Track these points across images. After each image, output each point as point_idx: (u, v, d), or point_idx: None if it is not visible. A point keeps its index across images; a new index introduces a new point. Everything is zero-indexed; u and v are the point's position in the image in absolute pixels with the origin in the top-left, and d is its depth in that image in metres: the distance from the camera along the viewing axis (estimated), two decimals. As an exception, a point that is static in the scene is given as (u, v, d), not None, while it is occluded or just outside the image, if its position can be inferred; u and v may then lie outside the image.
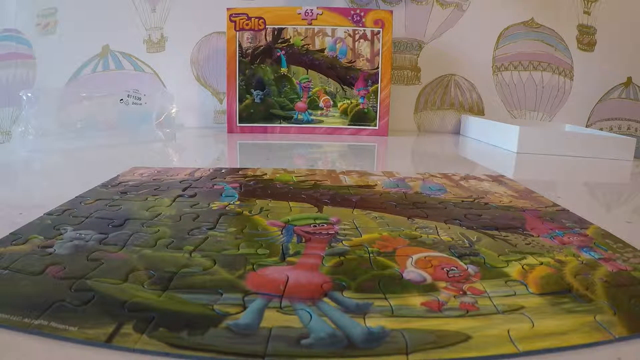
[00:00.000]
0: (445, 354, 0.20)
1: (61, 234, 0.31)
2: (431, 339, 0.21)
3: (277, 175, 0.51)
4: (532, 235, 0.34)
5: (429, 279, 0.26)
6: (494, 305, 0.24)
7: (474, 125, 0.92)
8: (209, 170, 0.52)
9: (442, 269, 0.28)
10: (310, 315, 0.22)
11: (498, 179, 0.52)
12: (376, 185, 0.48)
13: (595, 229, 0.36)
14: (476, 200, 0.43)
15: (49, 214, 0.35)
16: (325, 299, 0.24)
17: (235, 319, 0.21)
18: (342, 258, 0.29)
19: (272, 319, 0.22)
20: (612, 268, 0.29)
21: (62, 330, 0.20)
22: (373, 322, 0.22)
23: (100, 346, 0.20)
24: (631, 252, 0.31)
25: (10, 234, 0.31)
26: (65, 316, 0.21)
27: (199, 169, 0.53)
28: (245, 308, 0.22)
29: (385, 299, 0.24)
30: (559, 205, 0.42)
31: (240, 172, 0.52)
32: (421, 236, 0.33)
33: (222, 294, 0.24)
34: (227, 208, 0.39)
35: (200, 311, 0.22)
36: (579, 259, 0.30)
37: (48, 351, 0.19)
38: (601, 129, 1.02)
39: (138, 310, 0.22)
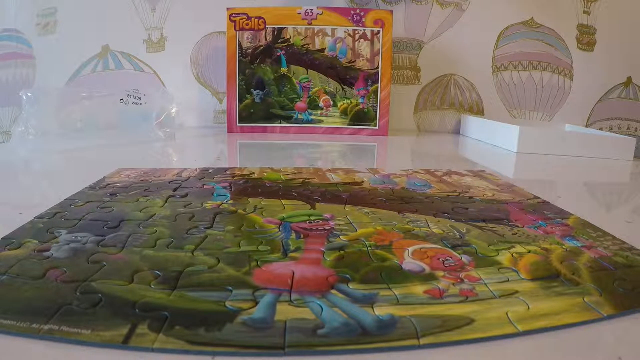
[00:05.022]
0: (453, 336, 0.21)
1: (56, 238, 0.31)
2: (438, 323, 0.22)
3: (265, 174, 0.51)
4: (518, 226, 0.36)
5: (428, 269, 0.28)
6: (491, 291, 0.25)
7: (474, 125, 0.92)
8: (196, 170, 0.52)
9: (438, 259, 0.29)
10: (322, 307, 0.23)
11: (479, 174, 0.54)
12: (363, 182, 0.49)
13: (576, 219, 0.38)
14: (461, 195, 0.45)
15: (40, 217, 0.35)
16: (333, 291, 0.24)
17: (250, 314, 0.22)
18: (342, 252, 0.30)
19: (285, 312, 0.22)
20: (594, 255, 0.30)
21: (75, 334, 0.20)
22: (382, 311, 0.23)
23: (118, 348, 0.20)
24: (610, 240, 0.33)
25: (3, 238, 0.31)
26: (75, 320, 0.21)
27: (186, 169, 0.53)
28: (257, 303, 0.23)
29: (390, 288, 0.25)
30: (539, 198, 0.44)
31: (227, 172, 0.52)
32: (414, 229, 0.34)
33: (232, 291, 0.24)
34: (221, 207, 0.39)
35: (213, 308, 0.23)
36: (564, 247, 0.32)
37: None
38: (601, 129, 1.02)
39: (150, 310, 0.22)
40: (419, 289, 0.25)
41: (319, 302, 0.23)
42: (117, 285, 0.24)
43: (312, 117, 0.89)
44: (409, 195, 0.44)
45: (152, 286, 0.24)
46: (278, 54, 0.87)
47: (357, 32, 0.87)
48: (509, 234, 0.34)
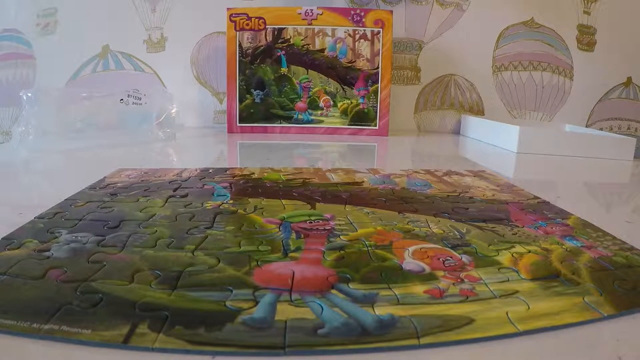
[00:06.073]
0: (453, 336, 0.21)
1: (56, 237, 0.31)
2: (438, 323, 0.22)
3: (265, 174, 0.51)
4: (518, 226, 0.36)
5: (428, 269, 0.28)
6: (491, 291, 0.25)
7: (474, 125, 0.92)
8: (196, 170, 0.52)
9: (439, 259, 0.29)
10: (322, 307, 0.23)
11: (479, 174, 0.54)
12: (363, 182, 0.49)
13: (575, 219, 0.38)
14: (461, 195, 0.45)
15: (40, 217, 0.35)
16: (333, 291, 0.24)
17: (250, 314, 0.22)
18: (342, 252, 0.30)
19: (285, 311, 0.22)
20: (594, 254, 0.30)
21: (75, 333, 0.20)
22: (382, 311, 0.23)
23: (118, 347, 0.20)
24: (610, 240, 0.33)
25: (3, 238, 0.31)
26: (75, 319, 0.21)
27: (186, 169, 0.53)
28: (257, 303, 0.23)
29: (390, 288, 0.25)
30: (539, 198, 0.44)
31: (227, 172, 0.52)
32: (414, 229, 0.34)
33: (232, 291, 0.24)
34: (221, 207, 0.39)
35: (213, 308, 0.23)
36: (563, 246, 0.32)
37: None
38: (601, 129, 1.02)
39: (150, 309, 0.22)
40: (419, 289, 0.25)
41: (319, 302, 0.23)
42: (117, 285, 0.24)
43: (312, 117, 0.89)
44: (408, 195, 0.44)
45: (152, 286, 0.24)
46: (278, 54, 0.87)
47: (357, 32, 0.88)
48: (509, 234, 0.34)
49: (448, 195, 0.44)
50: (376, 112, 0.89)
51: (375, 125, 0.89)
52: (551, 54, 0.99)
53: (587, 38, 1.00)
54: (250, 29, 0.86)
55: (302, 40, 0.87)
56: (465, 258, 0.29)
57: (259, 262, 0.28)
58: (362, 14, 0.87)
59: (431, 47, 0.98)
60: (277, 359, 0.19)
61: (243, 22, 0.86)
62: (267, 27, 0.87)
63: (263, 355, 0.20)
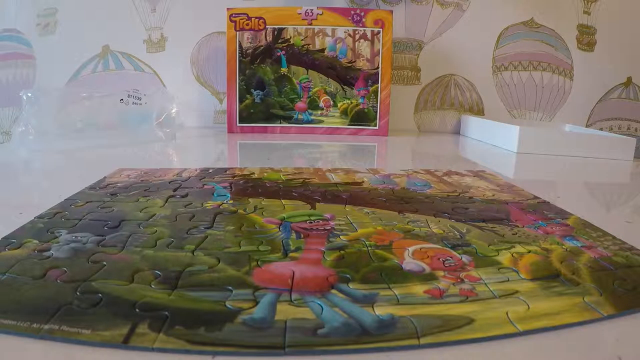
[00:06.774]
0: (453, 336, 0.21)
1: (56, 237, 0.31)
2: (438, 323, 0.22)
3: (265, 174, 0.51)
4: (518, 226, 0.36)
5: (428, 269, 0.28)
6: (491, 291, 0.25)
7: (474, 125, 0.92)
8: (196, 170, 0.52)
9: (439, 259, 0.29)
10: (322, 307, 0.23)
11: (479, 174, 0.54)
12: (363, 182, 0.49)
13: (575, 219, 0.38)
14: (461, 195, 0.45)
15: (40, 217, 0.35)
16: (333, 291, 0.24)
17: (250, 314, 0.22)
18: (342, 252, 0.30)
19: (285, 311, 0.22)
20: (594, 255, 0.30)
21: (75, 333, 0.20)
22: (382, 311, 0.23)
23: (118, 347, 0.20)
24: (610, 240, 0.33)
25: (3, 238, 0.31)
26: (75, 319, 0.21)
27: (186, 169, 0.53)
28: (257, 303, 0.23)
29: (390, 288, 0.25)
30: (539, 198, 0.44)
31: (227, 172, 0.52)
32: (414, 229, 0.34)
33: (232, 291, 0.24)
34: (221, 207, 0.39)
35: (213, 308, 0.23)
36: (563, 247, 0.32)
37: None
38: (601, 129, 1.02)
39: (150, 309, 0.22)
40: (419, 289, 0.25)
41: (319, 302, 0.23)
42: (117, 285, 0.24)
43: (312, 117, 0.89)
44: (408, 195, 0.44)
45: (152, 286, 0.24)
46: (278, 54, 0.87)
47: (357, 32, 0.88)
48: (509, 234, 0.34)
49: (448, 195, 0.44)
50: (376, 112, 0.89)
51: (375, 125, 0.89)
52: (551, 54, 0.99)
53: (587, 38, 1.00)
54: (250, 29, 0.86)
55: (302, 40, 0.87)
56: (465, 258, 0.29)
57: (259, 262, 0.28)
58: (362, 14, 0.87)
59: (431, 47, 0.98)
60: (277, 359, 0.19)
61: (243, 22, 0.86)
62: (267, 27, 0.87)
63: (263, 355, 0.20)
